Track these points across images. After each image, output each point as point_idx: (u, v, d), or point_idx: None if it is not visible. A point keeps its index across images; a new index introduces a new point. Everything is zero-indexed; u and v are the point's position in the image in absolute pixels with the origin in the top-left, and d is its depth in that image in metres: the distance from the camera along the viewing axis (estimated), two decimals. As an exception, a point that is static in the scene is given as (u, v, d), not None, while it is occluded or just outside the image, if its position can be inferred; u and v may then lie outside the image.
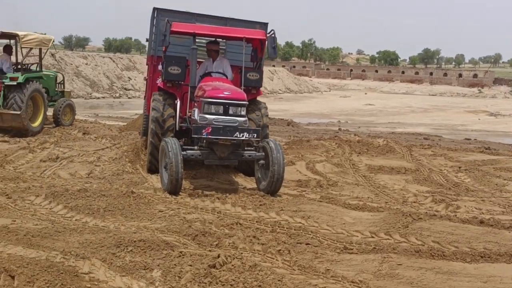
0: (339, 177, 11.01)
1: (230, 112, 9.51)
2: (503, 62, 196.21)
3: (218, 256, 5.80)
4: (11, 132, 14.91)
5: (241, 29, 11.29)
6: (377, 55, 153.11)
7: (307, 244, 6.55)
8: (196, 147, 9.74)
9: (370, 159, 13.28)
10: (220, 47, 12.35)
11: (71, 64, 54.81)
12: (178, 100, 10.87)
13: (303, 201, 8.64)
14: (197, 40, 12.88)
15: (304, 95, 68.08)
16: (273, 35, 10.68)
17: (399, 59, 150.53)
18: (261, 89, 11.51)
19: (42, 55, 17.64)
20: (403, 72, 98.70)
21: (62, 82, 19.16)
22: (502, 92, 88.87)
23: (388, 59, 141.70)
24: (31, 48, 16.78)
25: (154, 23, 12.99)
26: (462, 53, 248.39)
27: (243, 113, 9.70)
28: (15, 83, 15.06)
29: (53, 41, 17.64)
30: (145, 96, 17.15)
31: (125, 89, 57.39)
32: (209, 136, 9.31)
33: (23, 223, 7.10)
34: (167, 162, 9.27)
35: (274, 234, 6.89)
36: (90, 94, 51.85)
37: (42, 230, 6.67)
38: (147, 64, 17.67)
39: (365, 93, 77.04)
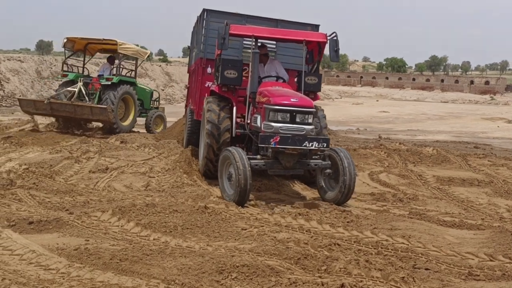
0: (412, 189, 10.30)
1: (297, 120, 9.01)
2: (509, 69, 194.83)
3: (343, 286, 5.10)
4: (104, 129, 17.29)
5: (301, 32, 10.76)
6: (384, 62, 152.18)
7: (426, 269, 5.83)
8: (258, 156, 9.17)
9: (430, 169, 12.59)
10: (270, 49, 11.84)
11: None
12: (234, 105, 10.32)
13: (392, 218, 7.92)
14: (243, 42, 12.39)
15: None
16: (335, 38, 10.10)
17: (406, 66, 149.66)
18: None
19: (138, 65, 19.69)
20: (413, 79, 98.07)
21: (158, 99, 21.26)
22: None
23: (396, 66, 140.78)
24: (127, 56, 18.98)
25: (204, 24, 12.56)
26: (467, 60, 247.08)
27: (310, 121, 9.19)
28: (109, 83, 17.39)
29: (149, 55, 20.24)
30: (186, 105, 16.64)
31: (137, 96, 56.64)
32: (278, 146, 8.74)
33: (98, 243, 6.40)
34: (230, 173, 8.79)
35: (382, 257, 6.17)
36: (103, 100, 51.07)
37: (128, 253, 5.95)
38: (188, 72, 17.30)
39: (377, 100, 76.32)
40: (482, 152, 15.80)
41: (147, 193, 9.22)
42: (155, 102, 20.91)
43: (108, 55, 19.95)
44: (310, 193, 9.99)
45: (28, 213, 7.60)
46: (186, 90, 17.41)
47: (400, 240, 6.81)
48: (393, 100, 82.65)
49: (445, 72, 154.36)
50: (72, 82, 17.86)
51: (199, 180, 10.34)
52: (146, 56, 19.61)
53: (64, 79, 18.40)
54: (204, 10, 12.72)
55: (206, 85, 12.44)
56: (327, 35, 10.28)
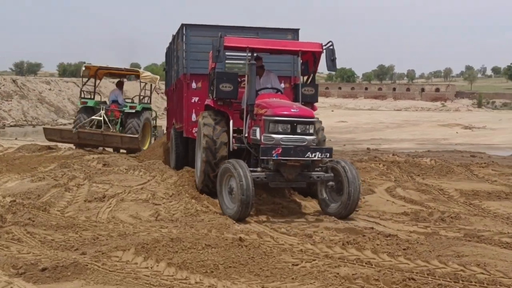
0: (442, 206, 9.52)
1: (298, 130, 8.82)
2: (452, 76, 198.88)
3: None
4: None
5: (297, 42, 10.61)
6: (333, 73, 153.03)
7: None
8: (259, 169, 8.85)
9: (441, 181, 11.98)
10: None
11: (34, 90, 52.39)
12: (231, 119, 9.98)
13: (449, 242, 7.07)
14: (232, 55, 11.84)
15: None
16: (331, 47, 9.85)
17: (355, 76, 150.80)
18: None
19: (152, 90, 20.63)
20: (366, 89, 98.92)
21: (155, 118, 21.58)
22: (464, 105, 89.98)
23: (345, 76, 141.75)
24: (145, 83, 19.95)
25: (184, 40, 12.31)
26: (412, 68, 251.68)
27: (312, 131, 9.04)
28: (134, 111, 18.22)
29: (158, 79, 20.99)
30: (168, 127, 15.88)
31: (92, 114, 55.18)
32: (280, 158, 8.52)
33: (134, 292, 5.36)
34: (232, 186, 8.51)
35: (472, 293, 5.33)
36: (56, 120, 49.66)
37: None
38: (166, 94, 16.64)
39: (332, 110, 76.35)
40: (483, 161, 15.24)
41: (160, 224, 8.16)
42: (153, 121, 21.26)
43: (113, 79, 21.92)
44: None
45: (34, 256, 6.47)
46: (166, 112, 16.70)
47: (477, 269, 5.97)
48: (348, 109, 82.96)
49: (393, 81, 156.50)
50: (91, 109, 18.47)
51: (211, 205, 9.34)
52: (157, 81, 20.62)
53: (82, 106, 18.90)
54: (182, 25, 12.45)
55: (193, 100, 12.22)
56: (323, 44, 10.05)
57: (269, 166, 8.79)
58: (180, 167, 13.22)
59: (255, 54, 10.15)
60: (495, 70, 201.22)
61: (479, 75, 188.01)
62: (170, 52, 14.90)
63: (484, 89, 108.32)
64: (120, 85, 19.79)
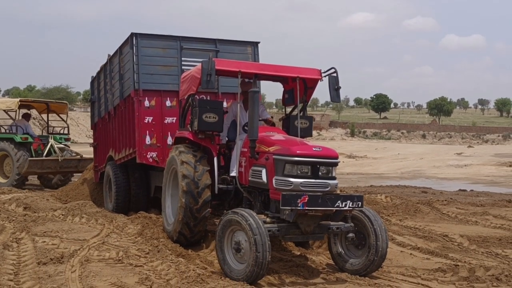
0: (468, 258, 8.25)
1: (320, 173, 7.23)
2: (318, 106, 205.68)
3: None
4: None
5: (295, 68, 8.91)
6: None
7: None
8: (268, 219, 7.18)
9: (422, 223, 11.05)
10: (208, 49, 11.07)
11: None
12: (215, 155, 8.49)
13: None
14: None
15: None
16: (334, 74, 8.59)
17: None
18: None
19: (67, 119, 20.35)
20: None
21: None
22: (339, 134, 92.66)
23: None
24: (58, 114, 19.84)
25: (134, 51, 10.76)
26: (279, 98, 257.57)
27: (334, 174, 7.44)
28: (69, 142, 19.07)
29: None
30: (95, 165, 13.77)
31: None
32: (306, 208, 6.84)
33: None
34: (239, 242, 6.83)
35: None
36: None
37: None
38: (93, 128, 14.32)
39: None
40: (442, 198, 14.50)
41: (162, 296, 6.21)
42: None
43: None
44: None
45: None
46: (93, 148, 14.27)
47: None
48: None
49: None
50: (23, 144, 17.45)
51: (207, 265, 7.51)
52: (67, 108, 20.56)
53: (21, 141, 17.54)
54: (132, 34, 10.81)
55: (146, 120, 10.69)
56: (322, 71, 8.78)
57: (284, 217, 7.11)
58: (122, 209, 11.27)
59: (257, 80, 8.69)
60: (357, 101, 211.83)
61: (344, 106, 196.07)
62: (104, 76, 12.81)
63: (351, 119, 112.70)
64: (27, 117, 19.13)
